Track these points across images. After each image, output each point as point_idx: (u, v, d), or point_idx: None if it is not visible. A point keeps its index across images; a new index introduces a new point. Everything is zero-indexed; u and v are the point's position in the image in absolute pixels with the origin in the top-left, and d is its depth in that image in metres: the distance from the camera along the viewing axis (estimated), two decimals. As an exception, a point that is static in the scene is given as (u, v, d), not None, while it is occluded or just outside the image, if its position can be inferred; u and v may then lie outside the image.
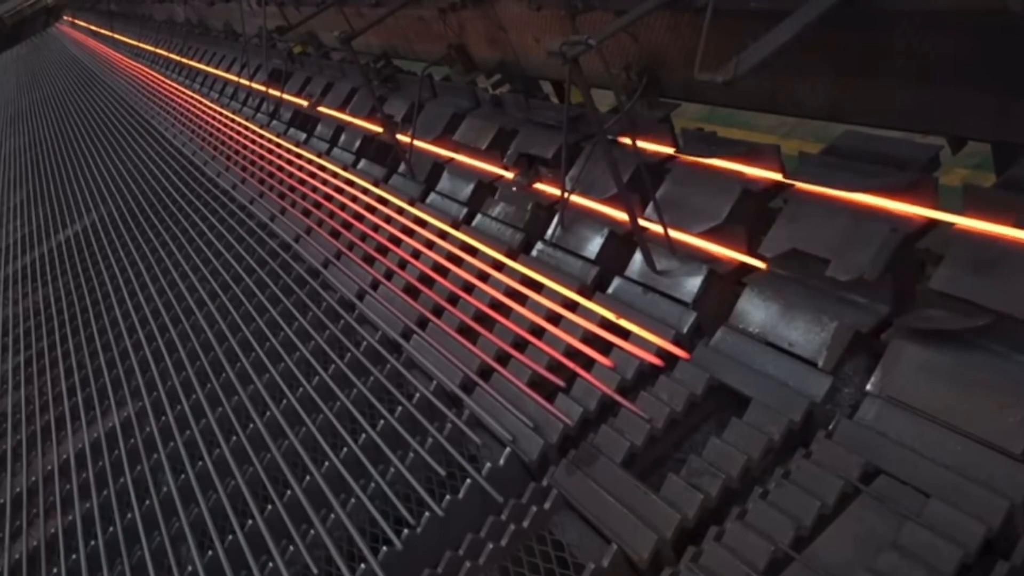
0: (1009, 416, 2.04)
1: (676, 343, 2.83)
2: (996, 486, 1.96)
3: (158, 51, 11.73)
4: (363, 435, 3.09)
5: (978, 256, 2.26)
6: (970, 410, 2.11)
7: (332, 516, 2.79)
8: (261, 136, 6.70)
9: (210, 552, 2.90)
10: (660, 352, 2.83)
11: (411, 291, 3.87)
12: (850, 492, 2.16)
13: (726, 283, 2.92)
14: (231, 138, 7.05)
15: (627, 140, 2.96)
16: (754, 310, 2.74)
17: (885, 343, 2.37)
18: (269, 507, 2.96)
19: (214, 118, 7.81)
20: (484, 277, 3.65)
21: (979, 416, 2.09)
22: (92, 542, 3.31)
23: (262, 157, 6.29)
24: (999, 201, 2.27)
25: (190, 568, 2.89)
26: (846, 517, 2.12)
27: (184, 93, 9.27)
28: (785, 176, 2.90)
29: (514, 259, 3.64)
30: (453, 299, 3.66)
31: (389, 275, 4.08)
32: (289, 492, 2.98)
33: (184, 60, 10.25)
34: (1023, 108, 2.52)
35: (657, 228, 3.03)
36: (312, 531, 2.78)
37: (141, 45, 12.96)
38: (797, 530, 2.12)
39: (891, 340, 2.35)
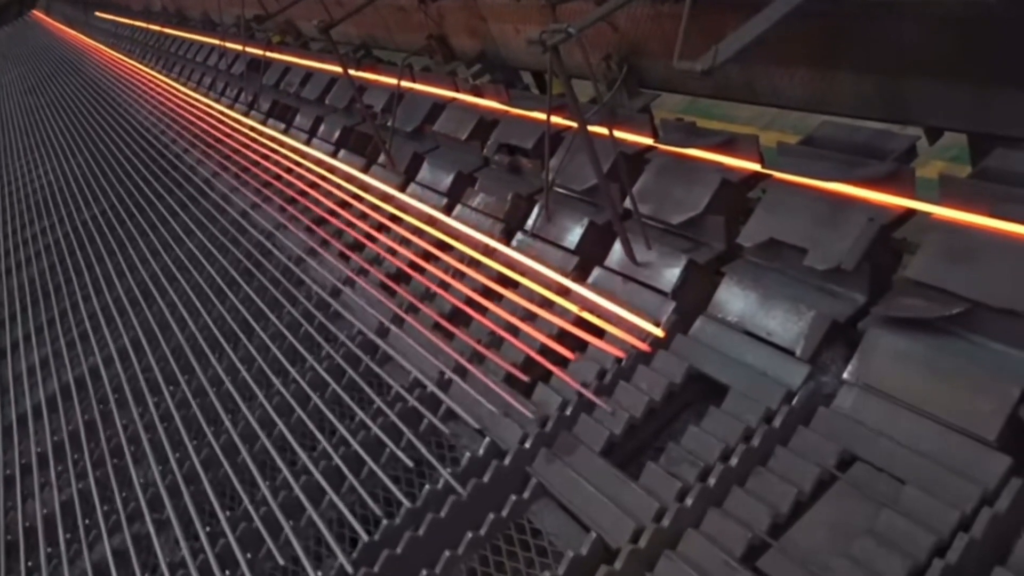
0: (983, 403, 2.06)
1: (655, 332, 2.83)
2: (969, 473, 1.99)
3: (135, 40, 11.59)
4: (336, 434, 3.07)
5: (953, 245, 2.28)
6: (945, 398, 2.13)
7: (305, 516, 2.77)
8: (240, 126, 6.64)
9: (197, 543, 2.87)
10: (640, 341, 2.83)
11: (391, 282, 3.85)
12: (827, 479, 2.18)
13: (705, 273, 2.93)
14: (209, 127, 6.98)
15: (605, 130, 2.95)
16: (733, 299, 2.75)
17: (862, 332, 2.38)
18: (239, 511, 2.93)
19: (192, 108, 7.73)
20: (461, 274, 3.64)
21: (954, 404, 2.11)
22: (67, 535, 3.28)
23: (245, 146, 6.23)
24: (974, 191, 2.29)
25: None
26: (822, 504, 2.13)
27: (161, 82, 9.17)
28: (763, 166, 2.91)
29: (494, 250, 3.63)
30: (432, 291, 3.65)
31: (364, 272, 4.04)
32: (260, 493, 2.96)
33: (161, 49, 10.14)
34: (999, 99, 2.55)
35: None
36: (283, 533, 2.77)
37: (118, 31, 12.81)
38: (774, 517, 2.13)
39: (867, 329, 2.37)
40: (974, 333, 2.21)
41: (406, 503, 2.65)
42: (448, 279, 3.64)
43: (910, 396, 2.19)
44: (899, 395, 2.21)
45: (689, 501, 2.23)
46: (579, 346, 2.97)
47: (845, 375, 2.35)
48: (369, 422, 3.05)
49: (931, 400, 2.15)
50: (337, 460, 2.92)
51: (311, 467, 2.92)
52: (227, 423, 3.35)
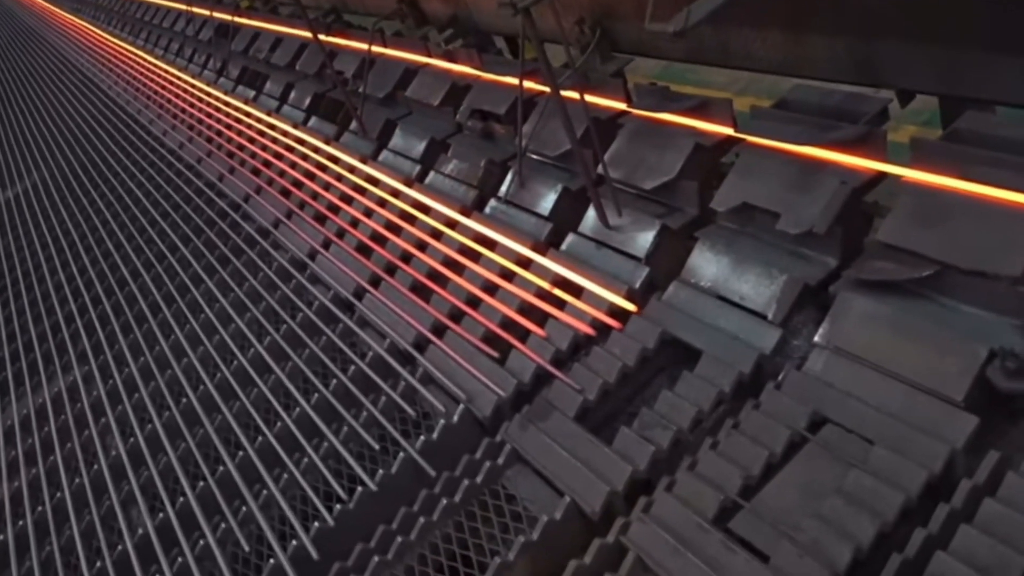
0: (951, 364, 2.08)
1: (629, 298, 2.83)
2: (938, 433, 2.01)
3: (99, 4, 11.32)
4: (316, 395, 3.07)
5: (924, 208, 2.29)
6: (914, 359, 2.15)
7: (285, 476, 2.77)
8: (208, 94, 6.53)
9: (161, 515, 2.86)
10: (612, 308, 2.84)
11: (363, 250, 3.82)
12: (798, 441, 2.20)
13: (678, 238, 2.93)
14: (177, 96, 6.86)
15: (578, 95, 2.93)
16: (706, 264, 2.76)
17: (833, 295, 2.40)
18: (221, 468, 2.93)
19: (159, 76, 7.58)
20: (437, 235, 3.62)
21: (923, 365, 2.13)
22: (39, 508, 3.26)
23: (209, 115, 6.13)
24: (945, 153, 2.30)
25: (140, 531, 2.85)
26: (793, 465, 2.16)
27: (127, 50, 8.98)
28: (737, 130, 2.91)
29: (468, 216, 3.61)
30: (406, 257, 3.63)
31: (341, 234, 4.02)
32: (241, 453, 2.94)
33: (127, 15, 9.91)
34: (970, 62, 2.55)
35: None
36: (264, 491, 2.76)
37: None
38: (746, 479, 2.15)
39: (838, 292, 2.38)
40: (943, 295, 2.23)
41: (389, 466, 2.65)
42: (413, 251, 3.61)
43: (880, 358, 2.21)
44: (869, 357, 2.23)
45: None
46: (544, 319, 2.96)
47: (816, 338, 2.36)
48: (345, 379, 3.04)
49: (900, 362, 2.17)
50: (314, 416, 2.92)
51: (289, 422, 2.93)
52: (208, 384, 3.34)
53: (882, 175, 2.50)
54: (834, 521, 1.94)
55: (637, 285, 2.86)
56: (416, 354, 3.10)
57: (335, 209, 4.22)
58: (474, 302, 3.18)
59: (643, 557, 2.13)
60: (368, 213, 4.04)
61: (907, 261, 2.26)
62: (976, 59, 2.53)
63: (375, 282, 3.59)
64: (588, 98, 3.03)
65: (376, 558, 2.41)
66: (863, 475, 2.00)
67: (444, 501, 2.48)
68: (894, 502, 1.93)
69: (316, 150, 4.83)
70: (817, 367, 2.31)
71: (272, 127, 5.41)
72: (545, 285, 3.05)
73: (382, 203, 4.04)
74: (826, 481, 2.06)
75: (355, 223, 4.03)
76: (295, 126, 5.23)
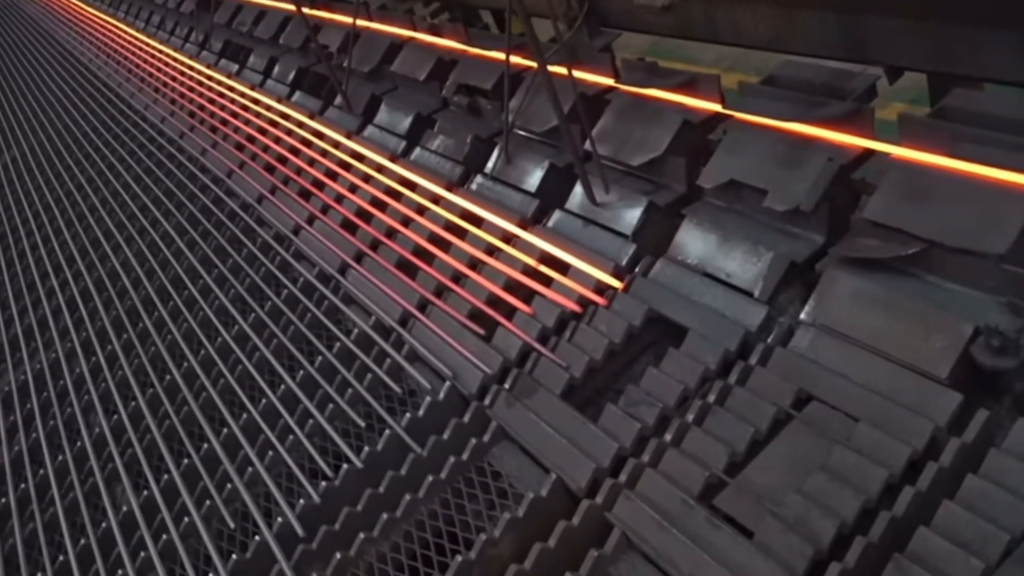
0: (936, 342, 2.09)
1: (615, 275, 2.83)
2: (921, 409, 2.02)
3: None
4: (301, 372, 3.06)
5: (911, 185, 2.29)
6: (899, 337, 2.16)
7: (270, 453, 2.77)
8: (190, 67, 6.45)
9: (145, 492, 2.86)
10: (599, 285, 2.83)
11: (348, 226, 3.80)
12: (783, 418, 2.21)
13: (666, 215, 2.92)
14: (158, 70, 6.77)
15: (566, 71, 2.91)
16: (692, 241, 2.75)
17: (819, 273, 2.40)
18: (205, 445, 2.92)
19: (140, 49, 7.48)
20: (422, 211, 3.60)
21: (907, 342, 2.14)
22: (22, 485, 3.25)
23: (192, 89, 6.06)
24: (933, 130, 2.29)
25: (125, 508, 2.85)
26: (778, 442, 2.17)
27: (107, 22, 8.85)
28: (725, 107, 2.89)
29: (453, 192, 3.59)
30: (391, 233, 3.61)
31: (325, 210, 3.99)
32: (226, 430, 2.94)
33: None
34: (958, 39, 2.54)
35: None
36: (250, 468, 2.76)
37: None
38: (731, 456, 2.16)
39: (825, 269, 2.39)
40: (930, 273, 2.24)
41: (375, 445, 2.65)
42: (398, 227, 3.59)
43: (865, 335, 2.21)
44: (854, 335, 2.23)
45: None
46: (530, 296, 2.95)
47: (802, 315, 2.37)
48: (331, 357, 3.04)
49: (885, 339, 2.18)
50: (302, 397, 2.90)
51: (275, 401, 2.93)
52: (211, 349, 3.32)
53: (870, 152, 2.49)
54: (818, 497, 1.95)
55: (624, 262, 2.86)
56: (401, 331, 3.09)
57: (320, 185, 4.19)
58: (460, 279, 3.17)
59: (628, 533, 2.14)
60: (353, 189, 4.01)
61: (893, 239, 2.27)
62: (964, 36, 2.52)
63: (360, 258, 3.57)
64: (576, 73, 3.01)
65: (362, 534, 2.41)
66: (847, 452, 2.01)
67: (430, 478, 2.48)
68: (878, 478, 1.94)
69: (300, 125, 4.78)
70: (803, 344, 2.32)
71: (255, 101, 5.35)
72: (531, 262, 3.04)
73: (367, 179, 4.01)
74: (811, 457, 2.07)
75: (340, 199, 4.00)
76: (279, 101, 5.18)
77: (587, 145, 3.04)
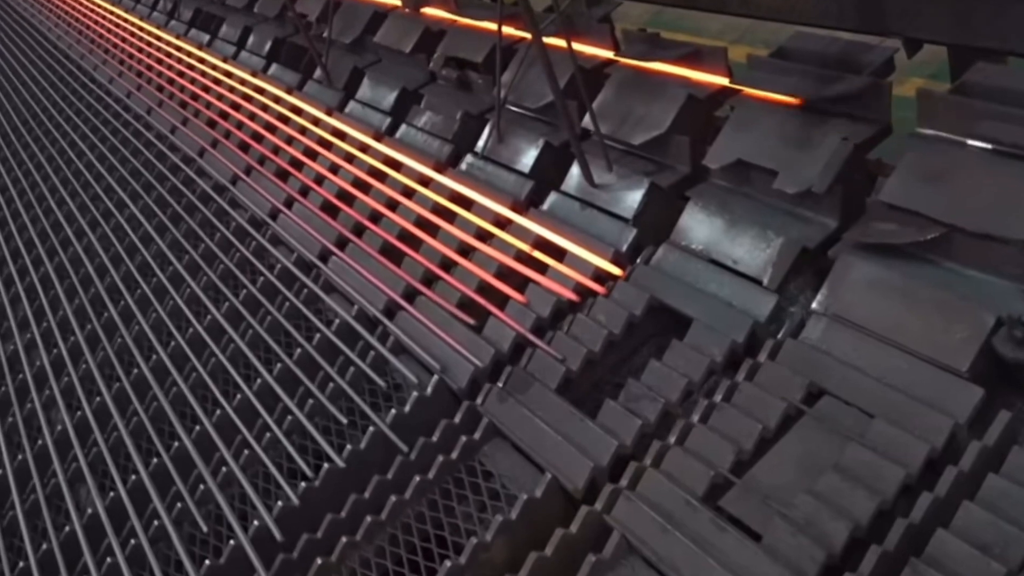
0: (956, 332, 2.10)
1: (615, 261, 2.83)
2: (941, 405, 2.03)
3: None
4: (278, 365, 3.05)
5: (930, 166, 2.29)
6: (917, 327, 2.17)
7: (246, 452, 2.77)
8: (158, 38, 6.41)
9: (111, 494, 2.85)
10: (597, 273, 2.83)
11: (329, 209, 3.79)
12: (793, 414, 2.22)
13: (669, 197, 2.92)
14: (124, 40, 6.72)
15: (563, 42, 2.90)
16: (697, 226, 2.75)
17: (832, 259, 2.41)
18: (176, 444, 2.91)
19: (104, 18, 7.42)
20: (409, 193, 3.59)
21: (926, 333, 2.15)
22: (-21, 486, 3.24)
23: (160, 61, 6.02)
24: (953, 108, 2.30)
25: (89, 511, 2.84)
26: (788, 440, 2.18)
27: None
28: (732, 81, 2.89)
29: (443, 172, 3.59)
30: (375, 217, 3.60)
31: (305, 192, 3.98)
32: (198, 427, 2.93)
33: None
34: (981, 9, 2.54)
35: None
36: (224, 468, 2.76)
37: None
38: (738, 454, 2.17)
39: (838, 256, 2.39)
40: (949, 259, 2.24)
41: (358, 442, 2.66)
42: (383, 210, 3.58)
43: (881, 326, 2.22)
44: (869, 325, 2.24)
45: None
46: (524, 284, 2.95)
47: (814, 305, 2.38)
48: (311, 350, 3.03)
49: (903, 330, 2.18)
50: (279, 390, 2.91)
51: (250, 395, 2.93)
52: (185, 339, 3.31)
53: (886, 131, 2.50)
54: (830, 498, 1.96)
55: (624, 248, 2.86)
56: (386, 321, 3.08)
57: (298, 165, 4.18)
58: (449, 265, 3.17)
59: (628, 537, 2.15)
60: (334, 169, 4.00)
61: (911, 223, 2.27)
62: (988, 6, 2.52)
63: (342, 244, 3.57)
64: (573, 45, 3.00)
65: (344, 538, 2.41)
66: (861, 450, 2.02)
67: (417, 478, 2.49)
68: (894, 478, 1.95)
69: (277, 100, 4.76)
70: (814, 335, 2.33)
71: (229, 75, 5.32)
72: (525, 247, 3.04)
73: (349, 158, 4.00)
74: (822, 456, 2.08)
75: (320, 180, 3.99)
76: (254, 74, 5.16)
77: (585, 122, 3.04)
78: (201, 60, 5.71)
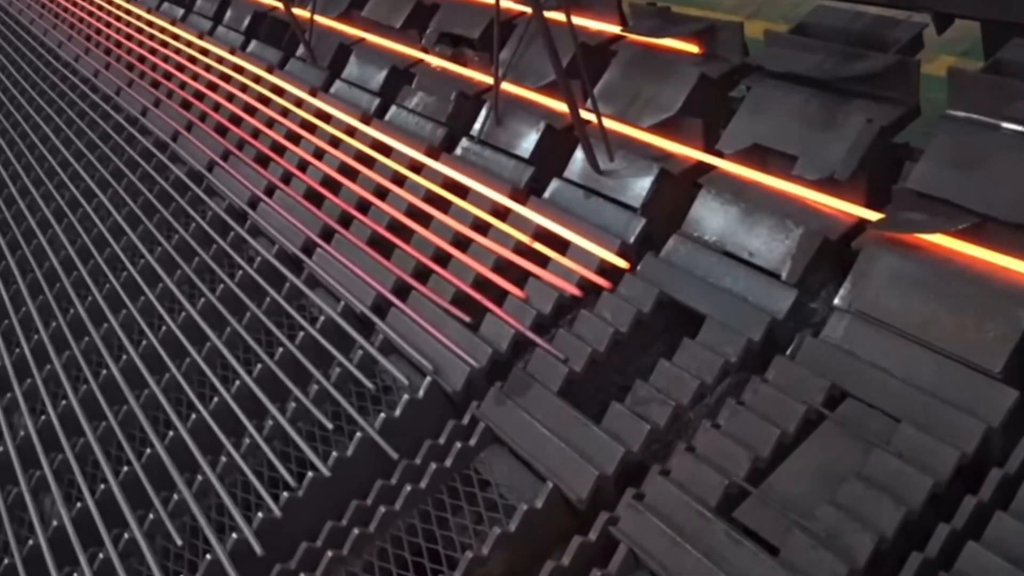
0: (989, 330, 2.11)
1: (621, 254, 2.83)
2: (972, 408, 2.04)
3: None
4: (259, 366, 3.06)
5: (962, 151, 2.30)
6: (947, 325, 2.17)
7: (223, 460, 2.77)
8: (127, 12, 6.40)
9: (79, 504, 2.86)
10: (603, 266, 2.84)
11: (313, 197, 3.80)
12: (813, 418, 2.22)
13: (680, 185, 2.93)
14: (91, 15, 6.72)
15: (564, 17, 2.90)
16: (710, 215, 2.76)
17: (856, 251, 2.41)
18: (148, 451, 2.92)
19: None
20: (400, 180, 3.60)
21: (956, 331, 2.15)
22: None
23: (130, 38, 6.02)
24: (986, 87, 2.30)
25: (55, 523, 2.85)
26: (807, 446, 2.18)
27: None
28: (748, 59, 2.90)
29: (437, 157, 3.59)
30: (363, 206, 3.60)
31: (287, 179, 3.98)
32: (172, 433, 2.93)
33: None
34: (1018, -19, 2.54)
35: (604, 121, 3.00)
36: (200, 477, 2.76)
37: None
38: (753, 461, 2.17)
39: (862, 247, 2.39)
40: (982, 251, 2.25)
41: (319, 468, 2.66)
42: (372, 199, 3.58)
43: (908, 323, 2.23)
44: (896, 322, 2.25)
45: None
46: (524, 278, 2.96)
47: (836, 300, 2.38)
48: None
49: (931, 327, 2.19)
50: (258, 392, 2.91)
51: (230, 401, 2.94)
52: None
53: (914, 113, 2.50)
54: (853, 509, 1.97)
55: (632, 239, 2.86)
56: (375, 319, 3.09)
57: (280, 150, 4.18)
58: (443, 258, 3.17)
59: (635, 550, 2.16)
60: (319, 154, 4.00)
61: (941, 212, 2.28)
62: (1025, -22, 2.53)
63: (327, 235, 3.57)
64: (576, 20, 3.01)
65: (329, 553, 2.42)
66: (887, 456, 2.03)
67: (408, 488, 2.49)
68: (921, 487, 1.96)
69: (257, 80, 4.76)
70: (836, 334, 2.33)
71: (204, 52, 5.32)
72: (525, 239, 3.05)
73: (335, 143, 4.00)
74: (845, 463, 2.09)
75: (303, 166, 3.99)
76: (232, 52, 5.15)
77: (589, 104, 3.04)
78: (174, 36, 5.70)
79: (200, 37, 5.50)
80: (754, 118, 2.76)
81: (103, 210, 4.35)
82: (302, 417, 2.83)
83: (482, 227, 3.19)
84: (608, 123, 3.10)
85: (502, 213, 3.19)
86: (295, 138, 4.19)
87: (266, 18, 5.34)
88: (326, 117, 4.18)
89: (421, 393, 2.76)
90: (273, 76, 4.71)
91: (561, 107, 3.13)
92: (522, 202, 3.18)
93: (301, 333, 3.14)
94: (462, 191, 3.37)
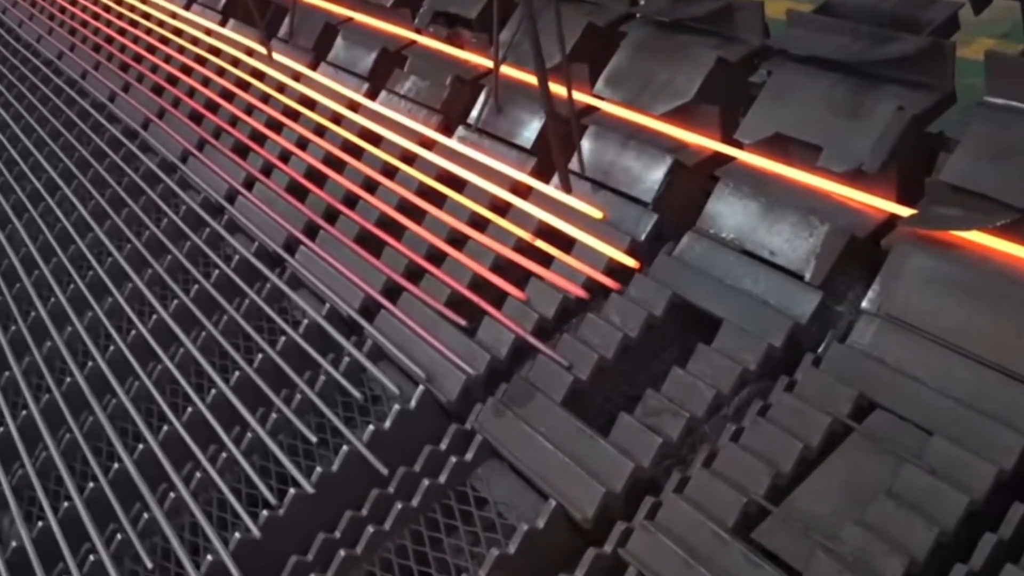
0: (1030, 337, 2.12)
1: (631, 252, 2.84)
2: (1011, 420, 2.04)
3: None
4: (236, 373, 3.07)
5: (1001, 141, 2.30)
6: (984, 330, 2.18)
7: (198, 475, 2.78)
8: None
9: (40, 523, 2.87)
10: (611, 265, 2.85)
11: (296, 191, 3.81)
12: (839, 431, 2.23)
13: (695, 177, 2.94)
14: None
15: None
16: (728, 211, 2.77)
17: (886, 250, 2.42)
18: (115, 465, 2.93)
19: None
20: (391, 172, 3.61)
21: (995, 337, 2.16)
22: None
23: (97, 17, 6.03)
24: (1028, 72, 2.31)
25: (14, 544, 2.86)
26: (833, 461, 2.19)
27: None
28: (769, 41, 2.90)
29: (429, 149, 3.60)
30: (351, 200, 3.61)
31: (268, 170, 3.99)
32: (141, 446, 2.94)
33: None
34: (1063, -44, 2.55)
35: (611, 107, 3.02)
36: (172, 494, 2.77)
37: None
38: (774, 478, 2.18)
39: (893, 246, 2.40)
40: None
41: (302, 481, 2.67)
42: (360, 192, 3.59)
43: (942, 328, 2.23)
44: (929, 327, 2.25)
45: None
46: (525, 278, 2.97)
47: (864, 303, 2.39)
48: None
49: (968, 333, 2.19)
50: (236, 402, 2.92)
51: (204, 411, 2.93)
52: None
53: (949, 99, 2.51)
54: (882, 529, 1.97)
55: (642, 236, 2.87)
56: (363, 322, 3.10)
57: (260, 139, 4.19)
58: (437, 257, 3.19)
59: (645, 573, 2.16)
60: (302, 144, 4.01)
61: (978, 207, 2.28)
62: (1070, -46, 2.53)
63: (311, 231, 3.58)
64: (582, -2, 3.02)
65: (313, 576, 2.43)
66: (918, 473, 2.04)
67: (399, 506, 2.50)
68: (957, 505, 1.96)
69: (236, 63, 4.78)
70: (864, 339, 2.34)
71: (178, 32, 5.34)
72: (527, 236, 3.06)
73: (320, 131, 4.01)
74: (873, 480, 2.09)
75: (285, 157, 4.00)
76: (208, 32, 5.17)
77: (599, 88, 3.05)
78: (146, 15, 5.72)
79: (173, 16, 5.51)
80: (776, 105, 2.76)
81: (67, 204, 4.36)
82: (283, 429, 2.84)
83: (480, 223, 3.20)
84: (617, 110, 3.12)
85: (502, 208, 3.21)
86: (277, 126, 4.20)
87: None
88: (311, 103, 4.20)
89: (413, 403, 2.78)
90: (253, 59, 4.72)
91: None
92: (524, 196, 3.19)
93: (283, 338, 3.15)
94: (458, 184, 3.39)
